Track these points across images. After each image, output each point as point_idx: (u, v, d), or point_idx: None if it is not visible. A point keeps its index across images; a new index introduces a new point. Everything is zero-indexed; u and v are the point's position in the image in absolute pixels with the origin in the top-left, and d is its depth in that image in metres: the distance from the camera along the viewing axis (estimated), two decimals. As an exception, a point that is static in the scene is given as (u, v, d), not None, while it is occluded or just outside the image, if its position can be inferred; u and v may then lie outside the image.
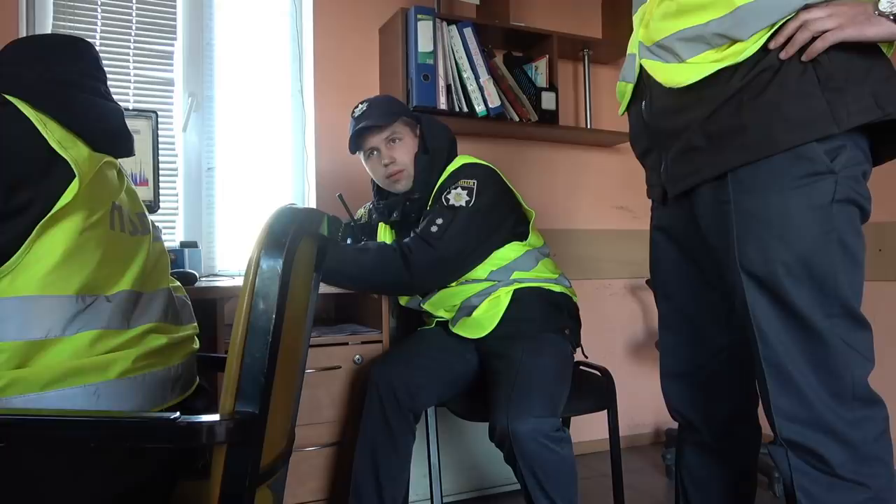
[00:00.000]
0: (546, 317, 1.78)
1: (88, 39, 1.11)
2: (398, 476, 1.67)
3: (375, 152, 1.85)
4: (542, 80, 2.52)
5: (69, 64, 1.00)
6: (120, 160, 1.07)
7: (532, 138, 2.67)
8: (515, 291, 1.76)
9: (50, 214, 0.84)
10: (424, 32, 2.26)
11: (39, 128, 0.88)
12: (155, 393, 0.95)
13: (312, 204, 2.35)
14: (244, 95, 2.37)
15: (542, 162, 2.73)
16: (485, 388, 1.66)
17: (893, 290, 2.18)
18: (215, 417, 0.78)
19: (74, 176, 0.87)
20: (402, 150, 1.83)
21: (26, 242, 0.83)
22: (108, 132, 1.01)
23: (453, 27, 2.35)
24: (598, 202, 2.83)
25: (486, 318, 1.75)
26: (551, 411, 1.54)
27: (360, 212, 2.09)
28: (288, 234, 0.81)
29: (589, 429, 2.56)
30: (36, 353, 0.84)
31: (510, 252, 1.80)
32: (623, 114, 1.34)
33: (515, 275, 1.79)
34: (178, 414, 0.78)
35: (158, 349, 0.96)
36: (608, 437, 1.82)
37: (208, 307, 1.64)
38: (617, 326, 2.84)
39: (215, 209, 2.31)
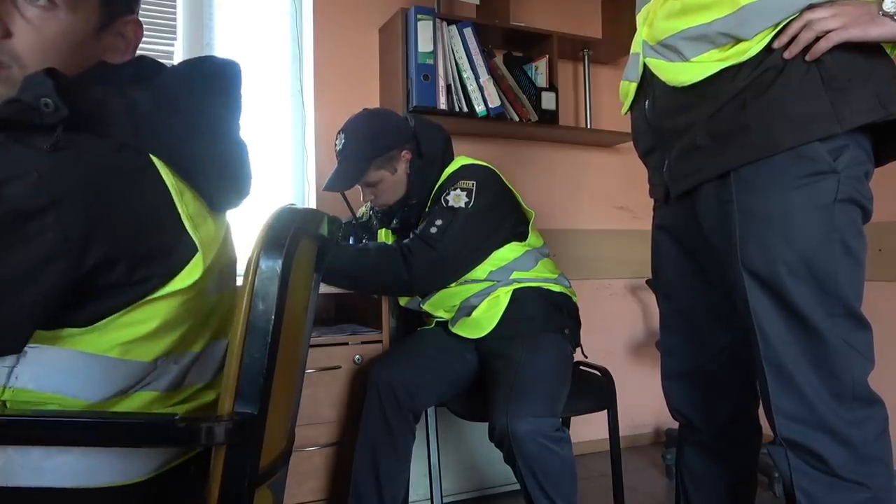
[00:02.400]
0: (545, 317, 1.78)
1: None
2: (398, 476, 1.68)
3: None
4: (542, 80, 2.52)
5: (218, 106, 0.91)
6: None
7: (532, 138, 2.67)
8: (515, 291, 1.76)
9: (161, 292, 0.79)
10: (424, 32, 2.26)
11: (175, 199, 0.80)
12: None
13: (312, 204, 2.35)
14: (244, 95, 2.36)
15: (542, 162, 2.73)
16: (484, 387, 1.66)
17: (893, 290, 2.18)
18: (216, 418, 0.77)
19: (198, 258, 0.82)
20: (380, 189, 1.83)
21: (127, 308, 0.77)
22: (235, 191, 0.93)
23: (453, 27, 2.34)
24: (598, 202, 2.83)
25: (485, 318, 1.75)
26: (551, 411, 1.54)
27: (362, 210, 2.09)
28: (287, 235, 0.80)
29: (589, 429, 2.56)
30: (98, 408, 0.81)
31: (510, 252, 1.80)
32: (626, 113, 1.34)
33: (515, 275, 1.79)
34: (177, 415, 0.77)
35: (206, 405, 0.92)
36: (608, 437, 1.82)
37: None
38: (617, 326, 2.84)
39: (215, 209, 2.31)
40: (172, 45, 2.27)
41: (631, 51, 1.28)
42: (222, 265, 0.92)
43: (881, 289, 2.15)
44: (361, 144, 1.80)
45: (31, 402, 0.76)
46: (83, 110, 0.75)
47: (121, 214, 0.74)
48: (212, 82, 0.91)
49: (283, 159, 2.41)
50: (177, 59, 2.26)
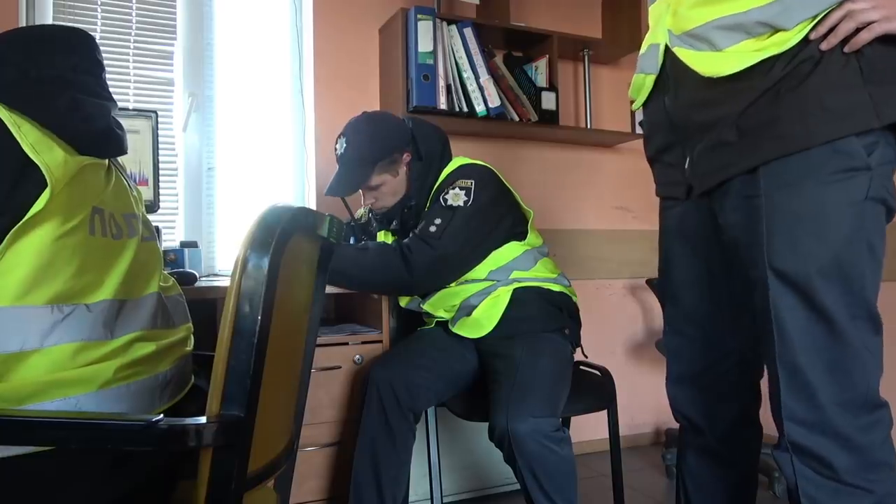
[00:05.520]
0: (545, 316, 1.78)
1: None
2: (398, 476, 1.67)
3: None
4: (542, 80, 2.51)
5: (58, 58, 0.96)
6: (119, 158, 1.06)
7: (532, 138, 2.67)
8: (515, 291, 1.76)
9: (20, 224, 0.82)
10: (424, 32, 2.26)
11: (13, 130, 0.85)
12: (142, 401, 0.93)
13: (312, 204, 2.35)
14: (244, 95, 2.37)
15: (542, 162, 2.73)
16: (484, 387, 1.66)
17: (893, 290, 2.17)
18: (200, 420, 0.76)
19: (46, 183, 0.84)
20: (381, 192, 1.83)
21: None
22: (92, 133, 0.97)
23: (453, 27, 2.34)
24: (598, 202, 2.83)
25: (485, 318, 1.74)
26: (551, 411, 1.54)
27: (360, 211, 2.08)
28: (275, 233, 0.79)
29: (589, 429, 2.56)
30: (12, 367, 0.81)
31: (509, 252, 1.80)
32: (640, 107, 1.30)
33: (514, 274, 1.79)
34: (160, 416, 0.75)
35: (145, 357, 0.94)
36: (608, 437, 1.82)
37: (208, 307, 1.64)
38: (617, 326, 2.84)
39: (215, 209, 2.31)
40: (172, 44, 2.26)
41: (646, 42, 1.23)
42: (104, 206, 0.96)
43: (883, 289, 2.14)
44: (363, 148, 1.79)
45: None
46: None
47: None
48: (52, 42, 0.98)
49: (283, 159, 2.41)
50: (177, 58, 2.26)
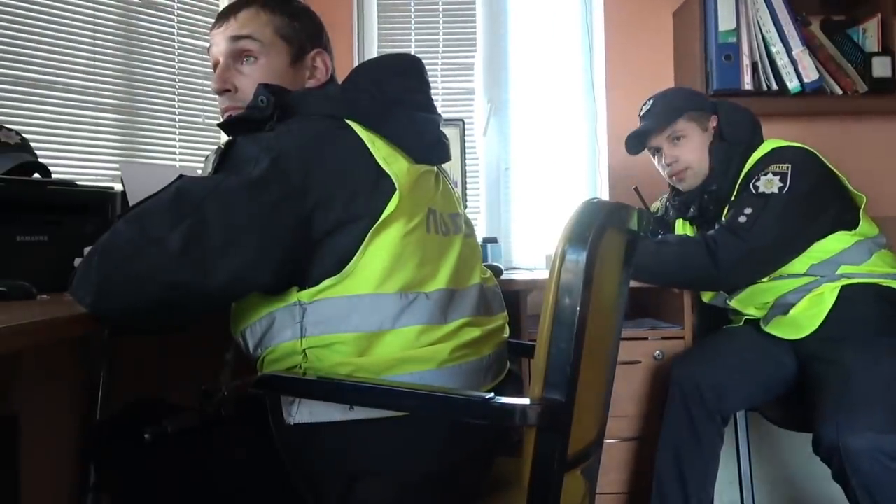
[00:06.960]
0: (884, 318, 1.54)
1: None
2: (704, 480, 1.59)
3: (658, 151, 1.81)
4: (871, 44, 2.18)
5: (397, 82, 1.11)
6: (442, 164, 1.19)
7: (861, 112, 2.33)
8: (843, 288, 1.56)
9: (377, 223, 0.95)
10: (725, 9, 2.12)
11: (369, 146, 1.00)
12: (470, 381, 1.02)
13: (605, 198, 2.35)
14: (537, 96, 2.47)
15: (874, 139, 2.36)
16: (807, 394, 1.49)
17: None
18: (525, 401, 0.82)
19: (396, 189, 0.98)
20: (685, 148, 1.76)
21: (360, 247, 0.94)
22: (425, 144, 1.11)
23: (759, -1, 2.15)
24: (953, 183, 2.34)
25: (805, 318, 1.57)
26: (895, 427, 1.32)
27: (656, 204, 2.03)
28: (592, 228, 0.81)
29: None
30: (372, 344, 0.95)
31: (835, 243, 1.60)
32: None
33: (843, 269, 1.58)
34: (492, 395, 0.84)
35: (472, 341, 1.03)
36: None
37: (511, 298, 1.74)
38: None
39: (511, 207, 2.45)
40: (473, 56, 2.46)
41: None
42: (435, 207, 1.08)
43: None
44: (672, 98, 1.81)
45: (320, 344, 0.95)
46: (289, 103, 1.04)
47: (327, 162, 0.95)
48: (391, 69, 1.13)
49: (575, 156, 2.46)
50: (477, 69, 2.45)
